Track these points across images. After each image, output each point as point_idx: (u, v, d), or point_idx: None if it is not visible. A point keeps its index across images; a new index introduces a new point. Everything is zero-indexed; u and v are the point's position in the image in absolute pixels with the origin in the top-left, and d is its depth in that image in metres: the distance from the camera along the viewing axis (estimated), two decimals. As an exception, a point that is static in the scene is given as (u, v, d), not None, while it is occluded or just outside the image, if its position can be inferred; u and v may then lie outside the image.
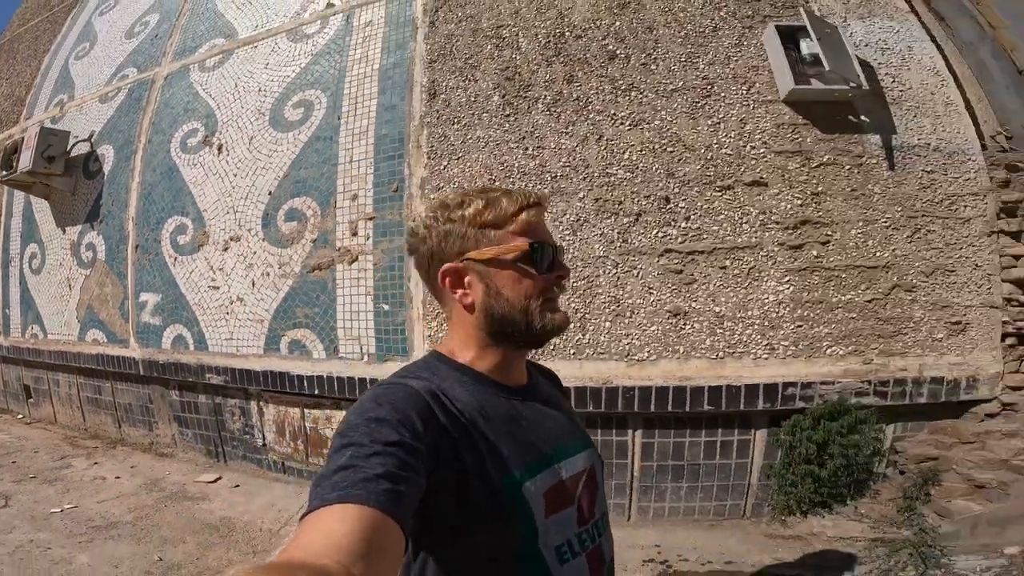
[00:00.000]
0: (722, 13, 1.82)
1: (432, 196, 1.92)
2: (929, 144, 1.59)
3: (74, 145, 3.02)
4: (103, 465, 2.30)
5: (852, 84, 1.50)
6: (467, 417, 0.45)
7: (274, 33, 2.51)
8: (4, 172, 3.03)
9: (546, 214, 0.50)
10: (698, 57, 1.74)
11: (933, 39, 1.78)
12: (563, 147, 1.78)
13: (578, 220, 1.72)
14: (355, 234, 2.01)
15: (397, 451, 0.37)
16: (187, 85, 2.69)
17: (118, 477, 2.11)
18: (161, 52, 2.95)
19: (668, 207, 1.65)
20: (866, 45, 1.74)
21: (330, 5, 2.42)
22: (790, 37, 1.63)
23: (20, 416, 3.32)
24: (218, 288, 2.30)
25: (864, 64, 1.68)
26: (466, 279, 0.49)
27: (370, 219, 1.99)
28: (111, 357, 2.66)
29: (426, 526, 0.42)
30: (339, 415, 2.04)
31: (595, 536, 0.51)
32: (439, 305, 0.52)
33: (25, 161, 2.89)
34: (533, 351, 0.53)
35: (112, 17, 3.62)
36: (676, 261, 1.62)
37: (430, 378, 0.46)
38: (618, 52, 1.83)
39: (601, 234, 1.69)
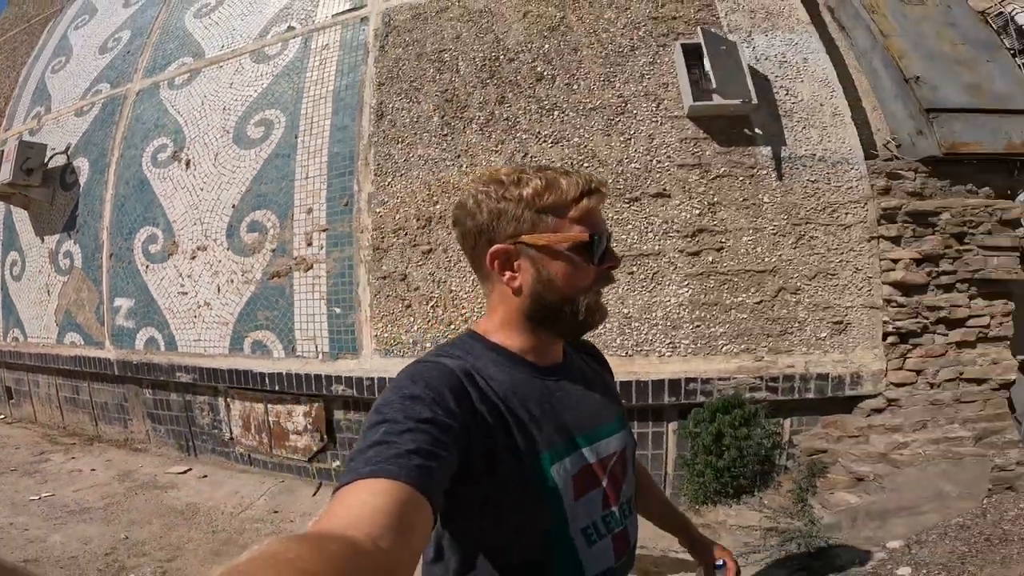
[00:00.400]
0: (640, 32, 2.09)
1: (378, 210, 2.21)
2: (815, 155, 1.86)
3: (51, 158, 3.32)
4: (80, 460, 2.60)
5: (743, 100, 1.77)
6: (500, 397, 0.46)
7: (239, 54, 2.81)
8: None
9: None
10: (616, 76, 2.02)
11: (831, 50, 2.04)
12: (493, 164, 2.07)
13: None
14: (310, 244, 2.31)
15: (430, 428, 0.39)
16: (157, 102, 3.00)
17: (93, 470, 2.41)
18: (133, 68, 3.25)
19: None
20: (766, 59, 2.00)
21: (291, 28, 2.72)
22: (695, 54, 1.88)
23: (1, 416, 3.63)
24: (187, 293, 2.60)
25: (762, 78, 1.94)
26: (516, 262, 0.49)
27: (323, 231, 2.29)
28: (88, 358, 2.96)
29: (456, 504, 0.43)
30: (299, 409, 2.34)
31: (621, 519, 0.52)
32: (480, 280, 0.52)
33: (5, 173, 3.20)
34: (568, 339, 0.53)
35: (87, 32, 3.92)
36: (652, 256, 1.89)
37: (464, 357, 0.48)
38: (545, 73, 2.11)
39: None
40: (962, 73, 1.97)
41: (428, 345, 2.06)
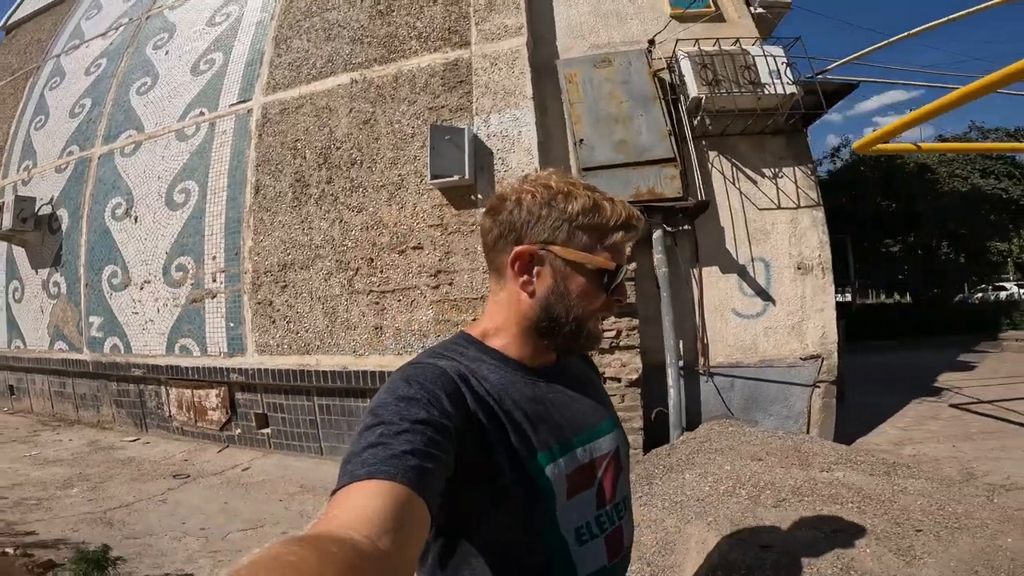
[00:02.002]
0: (419, 121, 3.85)
1: (255, 258, 3.99)
2: None
3: (40, 208, 5.45)
4: (62, 434, 4.56)
5: (459, 176, 3.54)
6: (495, 398, 0.57)
7: (167, 131, 4.77)
8: None
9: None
10: (399, 158, 3.79)
11: (544, 120, 3.69)
12: (322, 228, 3.98)
13: (328, 273, 3.85)
14: (215, 280, 4.29)
15: (425, 429, 0.47)
16: (113, 167, 5.03)
17: (71, 440, 4.34)
18: (95, 135, 5.27)
19: (372, 264, 3.83)
20: (495, 135, 3.54)
21: (201, 113, 4.72)
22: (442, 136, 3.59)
23: (5, 409, 5.83)
24: (137, 313, 4.65)
25: (488, 152, 3.67)
26: (537, 268, 0.60)
27: (223, 271, 4.27)
28: (71, 360, 5.06)
29: (451, 505, 0.52)
30: (212, 392, 4.32)
31: (614, 519, 0.63)
32: (491, 277, 0.65)
33: (7, 222, 5.31)
34: (561, 354, 0.65)
35: (59, 94, 6.02)
36: (377, 297, 3.78)
37: (458, 359, 0.59)
38: (356, 159, 3.99)
39: (339, 281, 3.83)
40: (617, 131, 3.30)
41: (286, 346, 3.96)
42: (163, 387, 4.32)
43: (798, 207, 3.26)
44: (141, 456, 3.70)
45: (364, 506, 0.41)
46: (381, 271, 3.50)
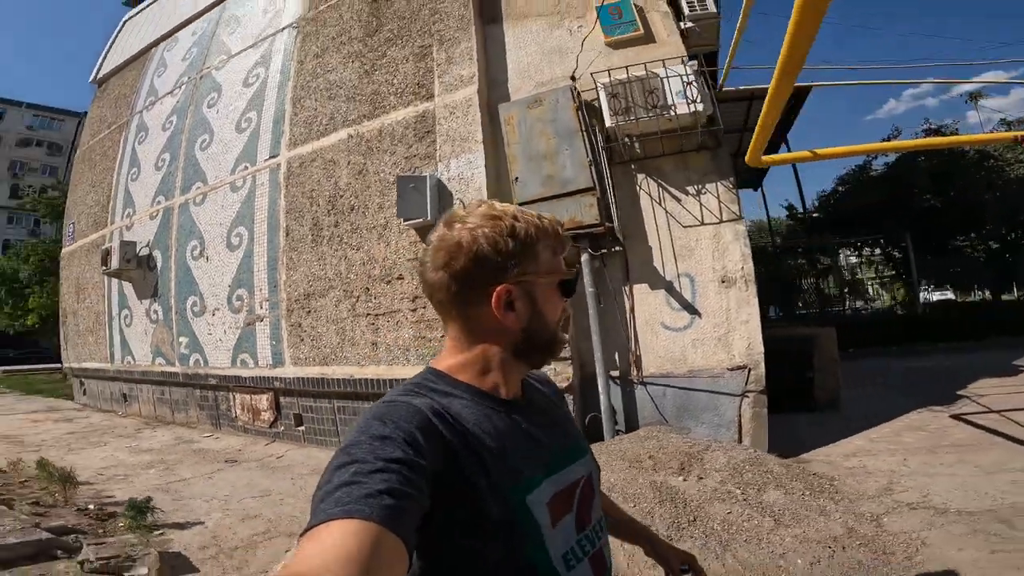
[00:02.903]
0: (398, 169, 5.57)
1: (288, 289, 6.21)
2: None
3: (139, 250, 7.94)
4: (157, 432, 7.30)
5: (422, 219, 4.99)
6: (470, 434, 0.69)
7: (224, 184, 7.06)
8: (104, 267, 8.18)
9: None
10: (385, 203, 5.63)
11: (492, 162, 5.01)
12: (332, 263, 5.77)
13: (338, 300, 5.73)
14: (261, 308, 6.31)
15: (400, 468, 0.57)
16: (188, 214, 7.44)
17: (163, 436, 7.16)
18: (174, 186, 7.89)
19: (369, 293, 5.48)
20: (454, 178, 5.35)
21: (245, 167, 6.69)
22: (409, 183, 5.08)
23: (119, 413, 8.72)
24: (211, 334, 6.89)
25: (449, 194, 5.11)
26: (516, 301, 0.75)
27: (266, 300, 6.28)
28: (167, 372, 7.56)
29: (433, 544, 0.64)
30: (263, 397, 6.26)
31: (595, 541, 0.79)
32: (441, 314, 0.80)
33: (115, 262, 8.03)
34: (534, 369, 0.85)
35: (146, 148, 8.87)
36: (372, 319, 5.45)
37: (430, 395, 0.72)
38: (355, 205, 5.71)
39: (346, 307, 5.74)
40: (545, 166, 4.90)
41: (312, 359, 5.71)
42: (230, 393, 6.40)
43: (720, 222, 4.21)
44: (209, 448, 6.10)
45: (339, 546, 0.48)
46: (375, 298, 5.09)
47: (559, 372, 4.58)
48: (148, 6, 11.19)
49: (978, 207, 13.89)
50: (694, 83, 4.24)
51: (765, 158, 4.12)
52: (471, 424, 0.70)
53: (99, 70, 12.09)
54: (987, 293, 17.80)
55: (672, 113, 4.25)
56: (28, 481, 3.98)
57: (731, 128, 7.02)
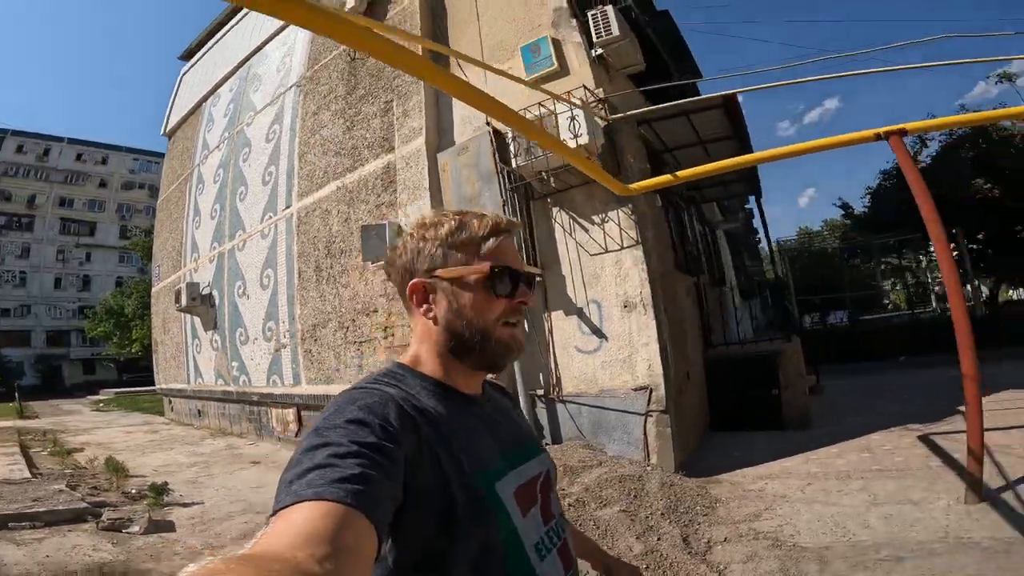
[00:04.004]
0: (371, 217, 7.21)
1: (302, 321, 8.01)
2: None
3: (203, 290, 10.26)
4: (216, 441, 10.02)
5: (384, 260, 6.36)
6: (438, 423, 0.79)
7: (256, 232, 9.18)
8: (177, 304, 10.57)
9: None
10: (357, 245, 6.88)
11: (437, 207, 6.35)
12: (329, 299, 7.55)
13: (335, 330, 7.64)
14: (284, 337, 8.29)
15: (374, 453, 0.63)
16: (235, 259, 9.75)
17: (218, 444, 9.38)
18: (224, 234, 10.38)
19: (354, 324, 7.07)
20: (410, 224, 6.51)
21: (270, 216, 8.60)
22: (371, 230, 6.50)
23: (194, 425, 11.61)
24: (253, 359, 9.08)
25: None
26: (432, 295, 0.87)
27: (287, 331, 8.30)
28: (226, 391, 10.05)
29: (406, 530, 0.70)
30: (289, 411, 8.08)
31: (560, 532, 0.93)
32: (407, 315, 0.93)
33: (184, 301, 10.69)
34: (487, 372, 0.93)
35: (203, 199, 11.49)
36: (358, 345, 7.10)
37: (399, 385, 0.83)
38: (343, 249, 7.41)
39: (340, 336, 7.71)
40: (471, 208, 5.87)
41: (319, 379, 7.41)
42: (268, 408, 8.29)
43: (621, 248, 5.15)
44: (247, 453, 7.89)
45: (309, 527, 0.52)
46: (359, 328, 6.60)
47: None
48: (199, 60, 13.77)
49: None
50: (576, 117, 5.03)
51: (632, 186, 4.79)
52: (437, 414, 0.80)
53: (167, 123, 14.97)
54: None
55: (571, 145, 5.06)
56: (97, 474, 5.97)
57: (676, 147, 7.47)
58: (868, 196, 19.11)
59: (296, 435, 8.57)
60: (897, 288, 22.64)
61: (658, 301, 5.20)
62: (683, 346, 6.15)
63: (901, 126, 4.16)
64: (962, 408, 6.51)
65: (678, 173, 4.79)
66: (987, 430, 5.20)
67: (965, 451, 4.04)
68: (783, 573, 3.23)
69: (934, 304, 24.06)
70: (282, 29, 10.12)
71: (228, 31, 12.38)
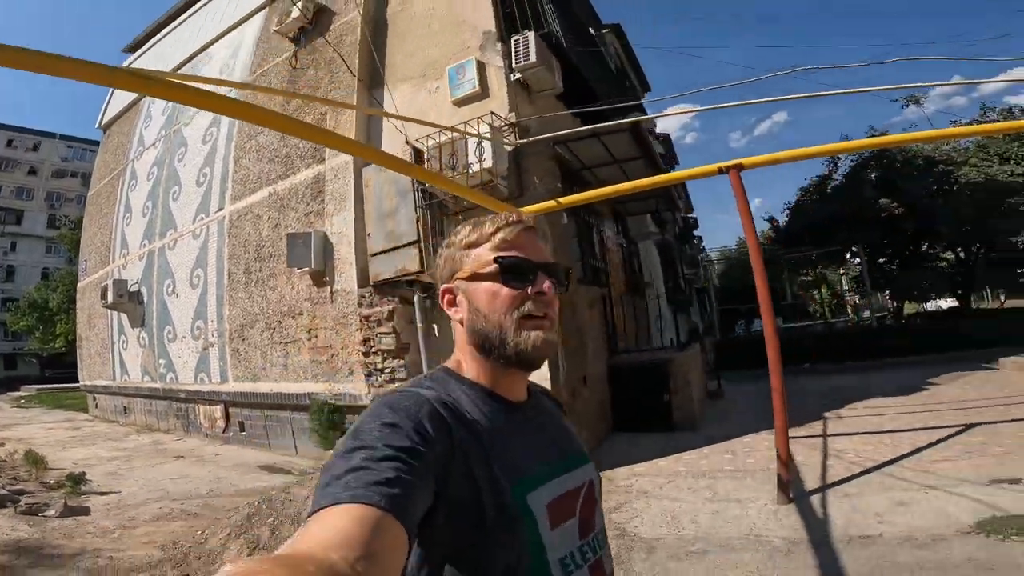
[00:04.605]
0: (300, 225, 7.68)
1: (230, 321, 8.54)
2: (344, 288, 7.03)
3: (131, 287, 10.42)
4: (141, 437, 10.47)
5: (307, 268, 6.94)
6: (474, 428, 0.80)
7: (188, 232, 9.54)
8: (103, 301, 10.70)
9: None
10: (285, 251, 7.39)
11: (361, 218, 6.89)
12: (258, 300, 8.12)
13: (262, 330, 8.11)
14: (212, 336, 8.75)
15: (408, 456, 0.66)
16: (165, 257, 10.16)
17: (143, 440, 9.59)
18: (155, 232, 10.67)
19: (280, 325, 7.58)
20: (335, 233, 7.38)
21: (202, 218, 8.93)
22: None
23: (119, 422, 11.74)
24: (180, 357, 9.46)
25: (332, 245, 7.07)
26: (456, 298, 0.91)
27: (216, 330, 8.90)
28: (152, 388, 10.36)
29: (434, 533, 0.71)
30: (216, 408, 8.41)
31: (596, 549, 0.89)
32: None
33: (111, 297, 10.93)
34: (522, 371, 0.91)
35: (135, 195, 11.73)
36: (284, 345, 7.54)
37: (439, 389, 0.84)
38: (272, 253, 7.92)
39: (267, 336, 8.25)
40: (388, 223, 6.79)
41: (246, 377, 7.83)
42: (195, 405, 8.62)
43: None
44: (172, 448, 8.29)
45: (344, 529, 0.54)
46: (285, 329, 7.09)
47: (392, 382, 6.26)
48: (143, 54, 13.72)
49: (930, 214, 14.66)
50: (482, 143, 5.75)
51: (528, 208, 5.35)
52: (476, 419, 0.81)
53: (103, 116, 14.82)
54: (957, 302, 18.82)
55: (472, 170, 5.87)
56: (17, 466, 6.21)
57: (594, 165, 8.24)
58: (786, 211, 20.89)
59: (224, 431, 9.00)
60: (818, 298, 25.03)
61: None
62: (582, 354, 6.92)
63: (738, 161, 4.98)
64: (827, 414, 7.79)
65: (560, 200, 5.60)
66: (832, 435, 6.35)
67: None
68: (615, 559, 3.91)
69: (850, 314, 26.66)
70: (230, 30, 10.44)
71: (175, 28, 12.34)
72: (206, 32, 11.08)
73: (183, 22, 12.21)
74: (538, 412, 0.96)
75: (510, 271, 0.86)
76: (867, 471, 4.84)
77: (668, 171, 9.43)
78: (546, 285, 0.87)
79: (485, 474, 0.76)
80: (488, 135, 5.76)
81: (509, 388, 0.91)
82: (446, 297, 0.92)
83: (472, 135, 5.62)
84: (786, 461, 4.46)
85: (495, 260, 0.86)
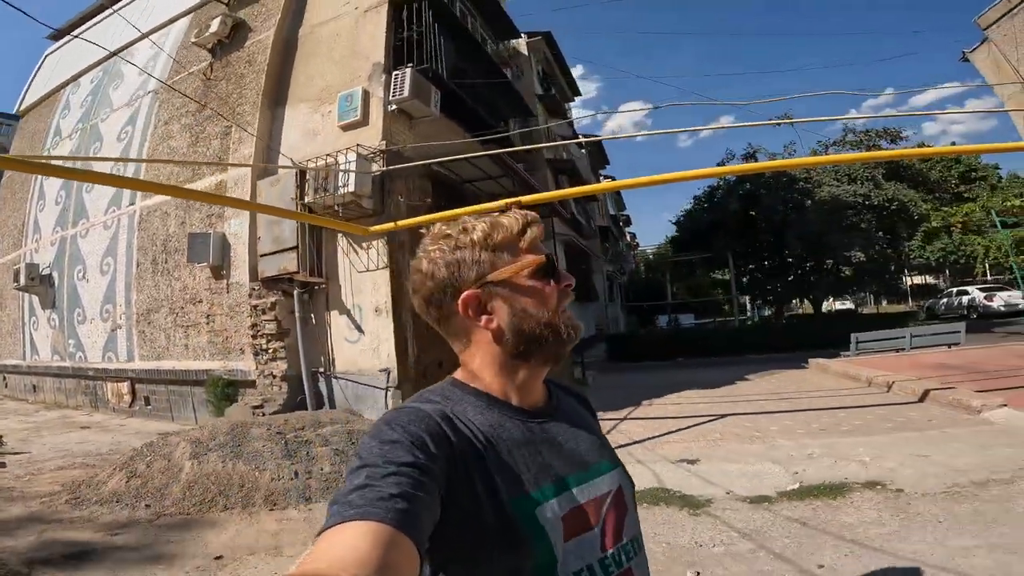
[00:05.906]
0: (203, 225, 8.87)
1: (139, 305, 9.53)
2: (238, 281, 8.53)
3: (43, 271, 11.37)
4: (50, 412, 11.57)
5: (206, 263, 8.32)
6: (480, 439, 0.80)
7: (99, 222, 10.84)
8: (15, 283, 11.61)
9: None
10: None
11: (255, 224, 8.34)
12: (163, 288, 9.63)
13: (167, 314, 9.55)
14: (120, 318, 10.20)
15: (411, 471, 0.67)
16: (77, 245, 11.37)
17: (52, 415, 10.77)
18: (68, 220, 11.76)
19: (183, 310, 8.89)
20: (233, 234, 8.64)
21: (114, 210, 10.15)
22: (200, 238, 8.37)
23: (28, 400, 12.60)
24: (89, 337, 10.64)
25: (230, 244, 8.45)
26: (489, 304, 0.85)
27: (124, 313, 10.30)
28: (62, 367, 11.56)
29: (442, 547, 0.72)
30: (123, 384, 9.62)
31: (622, 560, 0.86)
32: (451, 338, 0.89)
33: (22, 280, 11.98)
34: (552, 367, 0.92)
35: (50, 183, 13.52)
36: (185, 328, 9.17)
37: (443, 402, 0.84)
38: (178, 248, 9.09)
39: (171, 320, 9.71)
40: (275, 230, 8.48)
41: (151, 356, 9.26)
42: (103, 382, 9.81)
43: (377, 269, 7.44)
44: (79, 421, 9.51)
45: (353, 546, 0.56)
46: (187, 314, 8.51)
47: (278, 367, 7.83)
48: (66, 43, 14.25)
49: (782, 228, 17.42)
50: (347, 170, 7.33)
51: (372, 229, 7.16)
52: (482, 430, 0.81)
53: (22, 102, 15.28)
54: (811, 306, 22.32)
55: (342, 191, 7.40)
56: None
57: (473, 179, 10.14)
58: (682, 217, 23.66)
59: (130, 405, 10.10)
60: (720, 298, 28.08)
61: (398, 308, 7.63)
62: (442, 341, 8.43)
63: (517, 199, 6.78)
64: (645, 401, 9.55)
65: (399, 222, 7.24)
66: (628, 419, 7.88)
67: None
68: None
69: (748, 312, 29.89)
70: (154, 31, 11.36)
71: (101, 21, 12.80)
72: (129, 32, 11.01)
73: (105, 19, 12.50)
74: (558, 416, 0.94)
75: (553, 268, 0.88)
76: (617, 447, 6.11)
77: (564, 186, 11.42)
78: (571, 278, 0.92)
79: (488, 487, 0.76)
80: (353, 164, 7.37)
81: (528, 393, 0.90)
82: (471, 305, 0.85)
83: (341, 169, 7.22)
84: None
85: (547, 258, 0.87)
